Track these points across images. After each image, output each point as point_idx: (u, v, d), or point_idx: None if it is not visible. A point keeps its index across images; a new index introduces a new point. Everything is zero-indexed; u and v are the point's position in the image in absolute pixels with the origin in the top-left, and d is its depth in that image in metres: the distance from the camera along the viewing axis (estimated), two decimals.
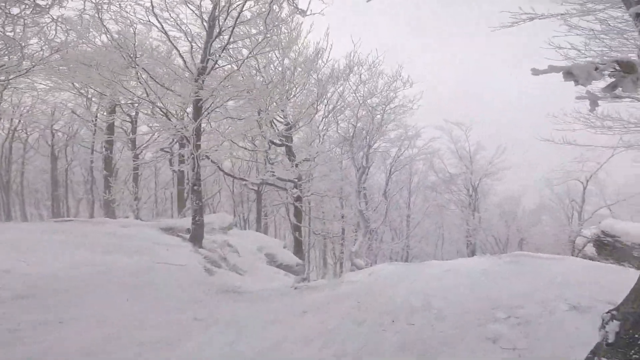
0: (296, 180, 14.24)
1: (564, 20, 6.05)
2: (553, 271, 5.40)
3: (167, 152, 12.85)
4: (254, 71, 11.62)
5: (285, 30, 12.36)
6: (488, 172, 21.45)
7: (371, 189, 22.56)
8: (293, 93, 13.06)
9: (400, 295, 4.67)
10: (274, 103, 11.77)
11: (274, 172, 13.57)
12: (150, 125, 12.80)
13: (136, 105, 12.60)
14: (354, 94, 13.31)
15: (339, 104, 13.81)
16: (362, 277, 5.73)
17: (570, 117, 8.97)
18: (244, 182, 14.05)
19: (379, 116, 13.36)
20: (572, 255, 15.29)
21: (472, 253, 22.52)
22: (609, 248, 11.27)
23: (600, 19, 5.86)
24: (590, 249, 13.60)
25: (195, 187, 8.05)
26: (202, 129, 8.03)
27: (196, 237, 8.25)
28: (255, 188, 14.67)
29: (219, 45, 7.67)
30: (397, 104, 13.53)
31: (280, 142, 13.30)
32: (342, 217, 14.56)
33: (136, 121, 14.46)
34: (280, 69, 12.52)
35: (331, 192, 14.66)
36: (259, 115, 10.67)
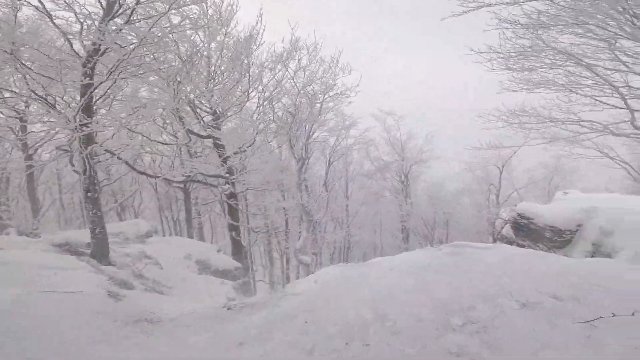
0: (227, 175, 13.16)
1: (494, 13, 6.05)
2: (489, 262, 5.46)
3: (66, 150, 10.74)
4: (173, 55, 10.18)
5: (212, 11, 11.12)
6: (418, 159, 22.44)
7: (312, 180, 22.23)
8: (220, 79, 11.84)
9: (350, 307, 4.21)
10: (197, 90, 10.49)
11: (195, 167, 12.33)
12: (44, 120, 10.54)
13: (25, 98, 10.28)
14: (292, 81, 12.54)
15: (275, 91, 12.96)
16: (306, 287, 5.16)
17: (493, 117, 9.35)
18: (166, 181, 12.50)
19: (318, 105, 12.82)
20: (493, 235, 16.69)
21: (407, 237, 23.62)
22: (525, 230, 12.35)
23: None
24: (508, 230, 14.83)
25: (90, 194, 6.59)
26: (95, 121, 6.53)
27: (98, 253, 6.84)
28: (181, 186, 13.20)
29: (122, 22, 6.30)
30: (337, 91, 13.08)
31: (205, 134, 12.02)
32: (284, 210, 13.88)
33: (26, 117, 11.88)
34: (205, 53, 11.21)
35: (270, 185, 13.86)
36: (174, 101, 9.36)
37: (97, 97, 6.65)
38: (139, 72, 6.69)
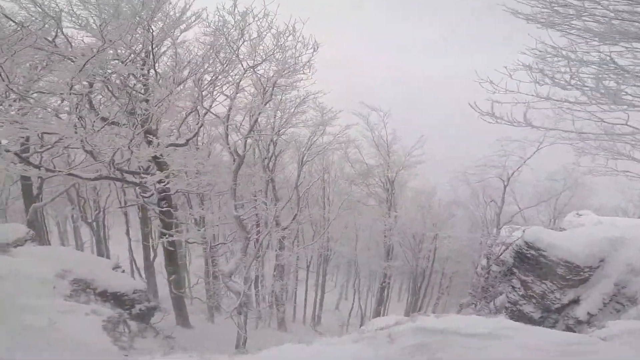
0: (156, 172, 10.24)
1: None
2: None
3: None
4: None
5: None
6: (406, 164, 19.55)
7: (281, 183, 19.29)
8: None
9: None
10: None
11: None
12: None
13: None
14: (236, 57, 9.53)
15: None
16: None
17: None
18: (72, 177, 9.52)
19: (269, 89, 9.74)
20: (488, 259, 13.82)
21: (388, 253, 20.73)
22: (531, 262, 9.51)
23: None
24: (508, 257, 12.05)
25: None
26: None
27: None
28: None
29: None
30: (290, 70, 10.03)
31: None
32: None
33: None
34: None
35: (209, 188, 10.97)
36: None
37: None
38: None
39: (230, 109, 9.61)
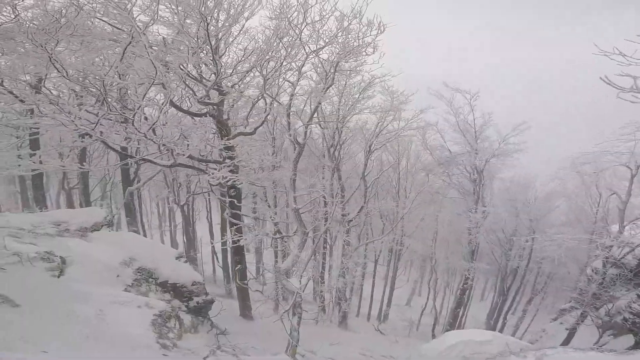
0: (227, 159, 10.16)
1: None
2: None
3: None
4: None
5: None
6: (499, 152, 16.92)
7: (347, 172, 18.36)
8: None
9: None
10: None
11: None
12: None
13: None
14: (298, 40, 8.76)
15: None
16: None
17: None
18: (148, 162, 9.97)
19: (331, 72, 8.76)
20: (604, 263, 11.09)
21: (473, 253, 18.36)
22: None
23: None
24: (631, 259, 9.55)
25: None
26: None
27: None
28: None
29: None
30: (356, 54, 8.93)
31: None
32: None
33: None
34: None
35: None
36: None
37: None
38: None
39: (292, 96, 8.95)
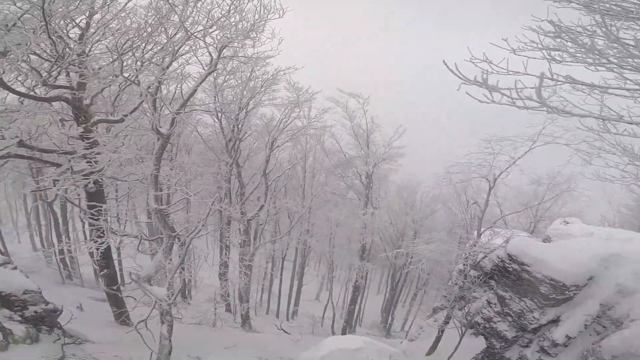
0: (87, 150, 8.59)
1: None
2: None
3: None
4: None
5: None
6: (386, 155, 18.16)
7: (250, 171, 17.73)
8: None
9: None
10: None
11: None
12: None
13: None
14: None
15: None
16: None
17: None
18: None
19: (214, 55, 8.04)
20: (465, 265, 12.65)
21: (363, 252, 19.47)
22: (512, 278, 8.32)
23: None
24: (487, 263, 10.87)
25: None
26: None
27: None
28: None
29: None
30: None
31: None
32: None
33: None
34: None
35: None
36: None
37: None
38: None
39: (160, 81, 7.92)
